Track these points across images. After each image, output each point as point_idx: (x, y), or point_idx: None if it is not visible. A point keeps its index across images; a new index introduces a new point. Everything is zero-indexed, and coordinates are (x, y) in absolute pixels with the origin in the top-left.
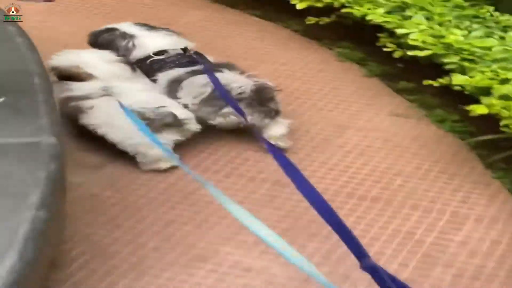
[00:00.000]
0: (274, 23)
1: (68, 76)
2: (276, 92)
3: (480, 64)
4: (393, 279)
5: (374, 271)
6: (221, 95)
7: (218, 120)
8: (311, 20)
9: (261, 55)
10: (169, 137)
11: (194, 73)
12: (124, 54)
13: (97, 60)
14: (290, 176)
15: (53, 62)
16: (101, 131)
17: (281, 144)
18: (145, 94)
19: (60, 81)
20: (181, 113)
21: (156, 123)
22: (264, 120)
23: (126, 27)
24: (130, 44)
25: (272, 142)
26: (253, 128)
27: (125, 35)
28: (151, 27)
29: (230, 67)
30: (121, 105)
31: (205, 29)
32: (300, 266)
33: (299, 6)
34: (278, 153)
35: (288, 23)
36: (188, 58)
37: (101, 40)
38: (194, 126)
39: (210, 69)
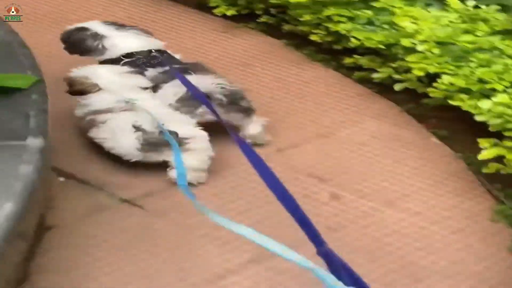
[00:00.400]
0: (451, 149)
1: (80, 90)
2: (245, 92)
3: None
4: (345, 266)
5: (328, 257)
6: (195, 96)
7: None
8: (491, 168)
9: (400, 195)
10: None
11: (166, 73)
12: (96, 54)
13: (108, 72)
14: (257, 169)
15: (68, 74)
16: (107, 144)
17: (259, 141)
18: (157, 110)
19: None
20: (185, 132)
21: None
22: (241, 118)
23: (96, 26)
24: (101, 45)
25: (250, 140)
26: (226, 125)
27: (96, 35)
28: (119, 26)
29: (198, 67)
30: (160, 126)
31: (363, 149)
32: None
33: (483, 156)
34: (247, 148)
35: (466, 153)
36: (156, 59)
37: (73, 38)
38: (200, 146)
39: (179, 70)
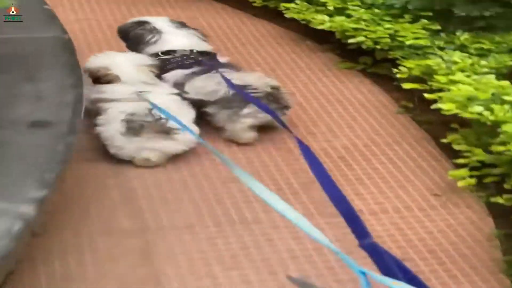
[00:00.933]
0: None
1: (98, 77)
2: (284, 90)
3: None
4: (394, 258)
5: (373, 250)
6: (243, 96)
7: (240, 125)
8: None
9: None
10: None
11: (195, 74)
12: (147, 47)
13: (127, 63)
14: (308, 161)
15: (88, 64)
16: (97, 129)
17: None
18: (161, 100)
19: (95, 84)
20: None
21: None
22: (279, 114)
23: (158, 21)
24: (154, 39)
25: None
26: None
27: (153, 30)
28: (181, 25)
29: (238, 68)
30: (151, 103)
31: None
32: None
33: None
34: (303, 146)
35: None
36: (193, 60)
37: (132, 35)
38: (183, 138)
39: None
